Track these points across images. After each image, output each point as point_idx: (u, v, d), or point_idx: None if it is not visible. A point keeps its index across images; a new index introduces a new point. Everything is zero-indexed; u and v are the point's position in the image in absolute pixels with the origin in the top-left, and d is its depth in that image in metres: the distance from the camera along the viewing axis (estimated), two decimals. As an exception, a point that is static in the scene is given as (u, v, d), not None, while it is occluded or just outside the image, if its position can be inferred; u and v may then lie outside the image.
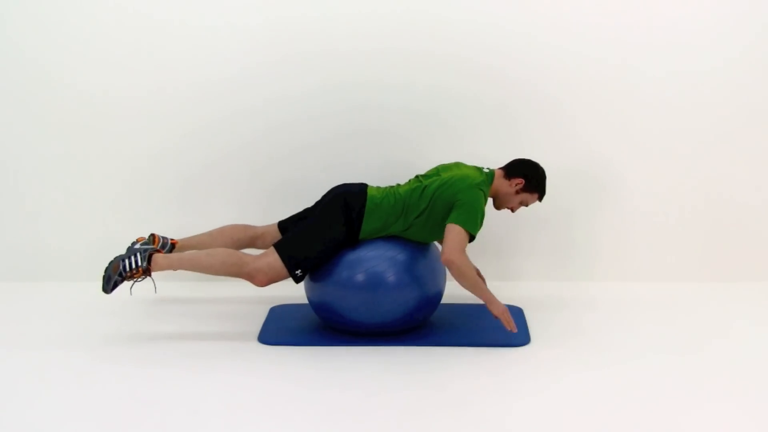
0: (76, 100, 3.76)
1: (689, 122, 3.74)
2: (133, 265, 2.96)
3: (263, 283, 2.99)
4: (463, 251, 2.93)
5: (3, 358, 2.87)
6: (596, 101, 3.73)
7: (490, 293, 2.97)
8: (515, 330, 2.95)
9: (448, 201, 3.00)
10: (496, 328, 3.12)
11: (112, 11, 3.68)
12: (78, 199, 3.85)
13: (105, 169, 3.82)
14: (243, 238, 3.32)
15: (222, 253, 3.02)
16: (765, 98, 3.72)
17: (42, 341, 3.03)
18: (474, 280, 2.94)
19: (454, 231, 2.94)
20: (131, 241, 3.15)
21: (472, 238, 2.99)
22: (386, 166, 3.72)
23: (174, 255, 3.03)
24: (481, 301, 3.46)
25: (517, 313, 3.31)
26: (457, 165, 3.22)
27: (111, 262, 2.98)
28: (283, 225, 3.31)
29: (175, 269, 3.01)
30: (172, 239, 3.32)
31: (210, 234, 3.35)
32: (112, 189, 3.84)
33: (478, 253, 3.80)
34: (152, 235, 3.31)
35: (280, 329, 3.14)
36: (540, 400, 2.50)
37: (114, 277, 2.95)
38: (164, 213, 3.83)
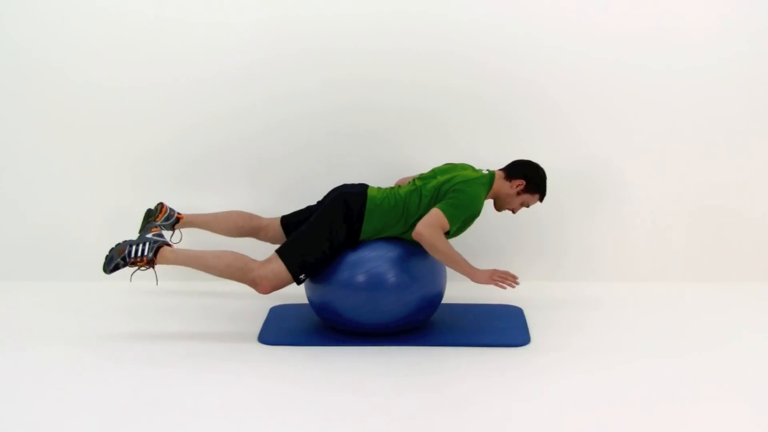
0: (75, 99, 3.76)
1: (689, 122, 3.74)
2: (139, 253, 2.94)
3: (267, 290, 2.99)
4: (436, 227, 2.90)
5: (3, 357, 2.87)
6: (596, 101, 3.73)
7: (469, 265, 2.93)
8: (515, 283, 2.92)
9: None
10: (496, 328, 3.13)
11: (111, 7, 3.68)
12: (78, 199, 3.85)
13: (104, 168, 3.82)
14: (246, 226, 3.34)
15: (229, 256, 3.01)
16: (765, 97, 3.72)
17: (41, 341, 3.03)
18: (447, 253, 2.91)
19: (431, 212, 2.94)
20: (145, 223, 3.14)
21: (447, 233, 2.97)
22: (386, 166, 3.71)
23: (181, 251, 3.02)
24: (480, 301, 3.48)
25: (517, 313, 3.31)
26: (454, 166, 3.22)
27: (118, 244, 2.96)
28: (285, 220, 3.31)
29: (180, 265, 3.00)
30: (178, 213, 3.35)
31: (215, 215, 3.38)
32: (111, 188, 3.84)
33: (478, 253, 3.81)
34: (161, 204, 3.34)
35: (280, 329, 3.14)
36: (540, 401, 2.50)
37: (116, 259, 2.93)
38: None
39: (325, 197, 3.17)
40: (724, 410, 2.44)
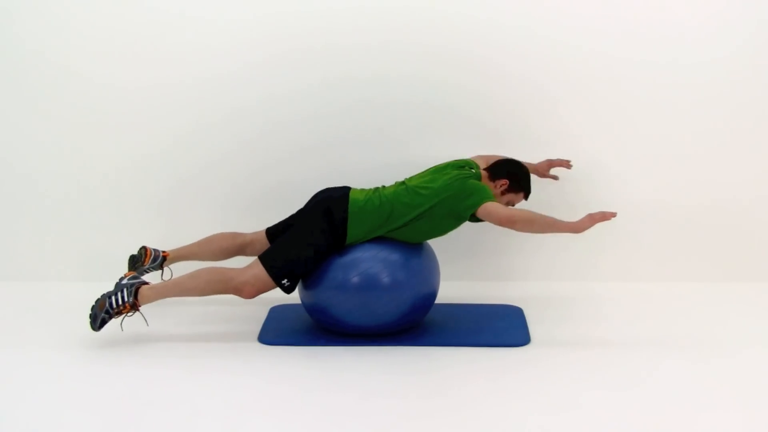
0: (75, 101, 3.75)
1: (690, 122, 3.73)
2: (120, 302, 2.93)
3: (251, 295, 2.98)
4: (507, 209, 2.95)
5: (2, 358, 2.87)
6: (598, 100, 3.72)
7: (566, 222, 2.94)
8: (612, 216, 2.91)
9: (453, 199, 2.99)
10: (496, 328, 3.13)
11: (106, 6, 3.67)
12: (77, 199, 3.84)
13: (104, 168, 3.81)
14: (231, 246, 3.31)
15: (205, 273, 3.00)
16: (765, 97, 3.71)
17: (41, 341, 3.03)
18: (544, 219, 2.92)
19: (487, 206, 2.95)
20: (119, 277, 3.12)
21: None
22: (384, 166, 3.69)
23: (159, 285, 3.00)
24: (477, 301, 3.48)
25: (517, 313, 3.31)
26: (447, 165, 3.20)
27: (97, 300, 2.95)
28: (270, 232, 3.28)
29: (162, 298, 2.99)
30: (163, 251, 3.32)
31: (198, 243, 3.34)
32: (111, 188, 3.83)
33: (478, 252, 3.82)
34: (143, 248, 3.30)
35: (280, 329, 3.14)
36: (540, 401, 2.50)
37: (101, 314, 2.91)
38: (161, 213, 3.80)
39: (307, 203, 3.16)
40: (726, 410, 2.44)
